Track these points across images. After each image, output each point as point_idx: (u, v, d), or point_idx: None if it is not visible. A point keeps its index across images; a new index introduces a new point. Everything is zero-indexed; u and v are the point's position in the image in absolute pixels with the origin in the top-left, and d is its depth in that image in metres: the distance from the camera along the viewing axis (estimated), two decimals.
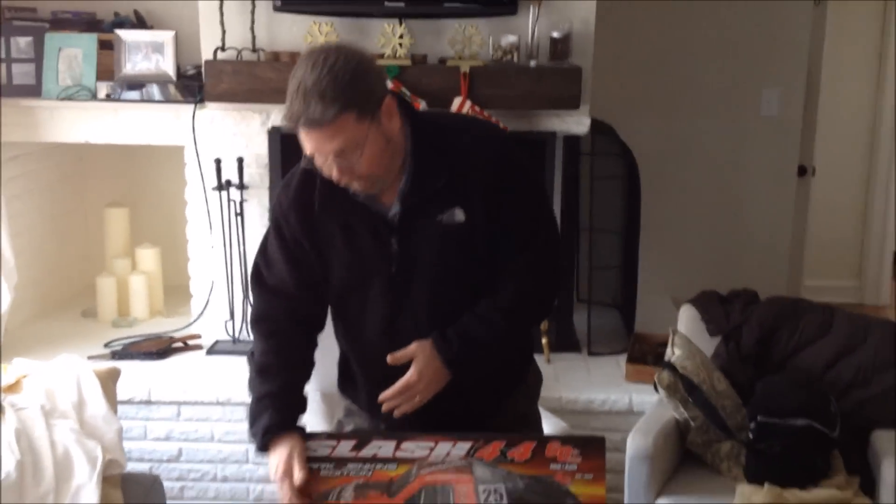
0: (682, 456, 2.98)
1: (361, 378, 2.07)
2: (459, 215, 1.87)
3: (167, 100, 3.62)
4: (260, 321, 2.01)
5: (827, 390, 2.94)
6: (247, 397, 3.26)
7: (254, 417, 1.97)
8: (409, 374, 1.88)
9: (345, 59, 1.73)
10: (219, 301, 3.75)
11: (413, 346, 1.88)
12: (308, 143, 1.77)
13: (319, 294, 1.99)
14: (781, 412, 2.75)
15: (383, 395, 1.90)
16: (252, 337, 2.04)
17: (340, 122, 1.72)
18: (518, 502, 1.90)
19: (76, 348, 3.44)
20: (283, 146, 3.60)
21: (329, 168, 1.79)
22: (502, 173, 1.89)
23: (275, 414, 1.95)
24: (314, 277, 1.96)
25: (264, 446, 1.96)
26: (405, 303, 1.90)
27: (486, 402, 2.07)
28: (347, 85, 1.71)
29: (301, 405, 2.02)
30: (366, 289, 1.93)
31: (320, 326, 2.06)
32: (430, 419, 1.98)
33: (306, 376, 2.03)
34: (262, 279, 2.01)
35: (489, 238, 1.90)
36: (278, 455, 1.92)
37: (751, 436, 2.79)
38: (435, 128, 1.91)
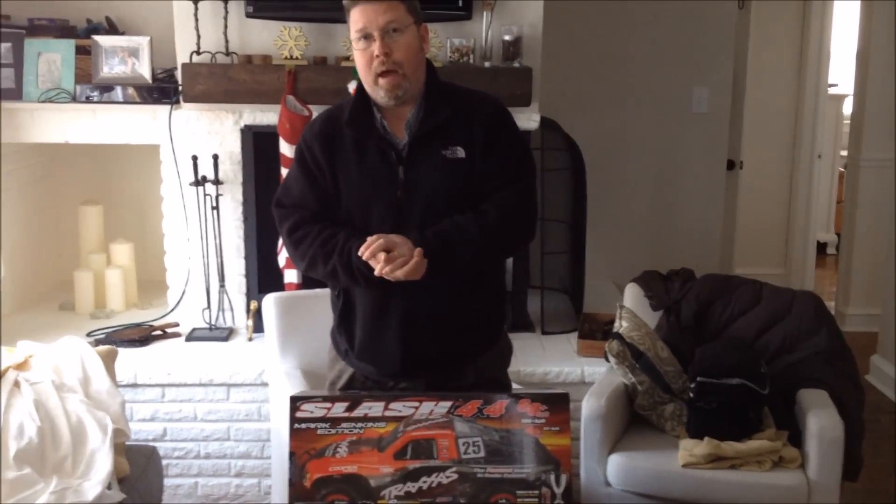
0: (631, 418, 3.27)
1: (360, 305, 2.30)
2: (461, 152, 2.20)
3: (131, 101, 3.80)
4: (294, 229, 2.27)
5: (758, 354, 3.27)
6: (229, 377, 3.48)
7: (339, 253, 2.18)
8: (391, 234, 2.13)
9: None
10: (195, 290, 3.96)
11: (394, 234, 2.14)
12: (363, 17, 2.13)
13: (334, 212, 2.27)
14: (718, 373, 3.05)
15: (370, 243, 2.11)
16: (296, 249, 2.27)
17: (395, 3, 2.12)
18: (494, 453, 2.18)
19: (58, 339, 3.60)
20: (255, 144, 3.84)
21: (370, 54, 2.14)
22: (499, 123, 2.26)
23: (350, 237, 2.19)
24: (329, 195, 2.26)
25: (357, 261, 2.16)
26: (405, 224, 2.18)
27: (462, 347, 2.34)
28: None
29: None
30: (371, 210, 2.22)
31: None
32: (412, 365, 2.29)
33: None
34: (282, 203, 2.31)
35: (483, 174, 2.22)
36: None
37: (691, 394, 3.09)
38: (447, 85, 2.28)
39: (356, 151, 2.23)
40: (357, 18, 2.15)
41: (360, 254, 2.11)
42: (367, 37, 2.15)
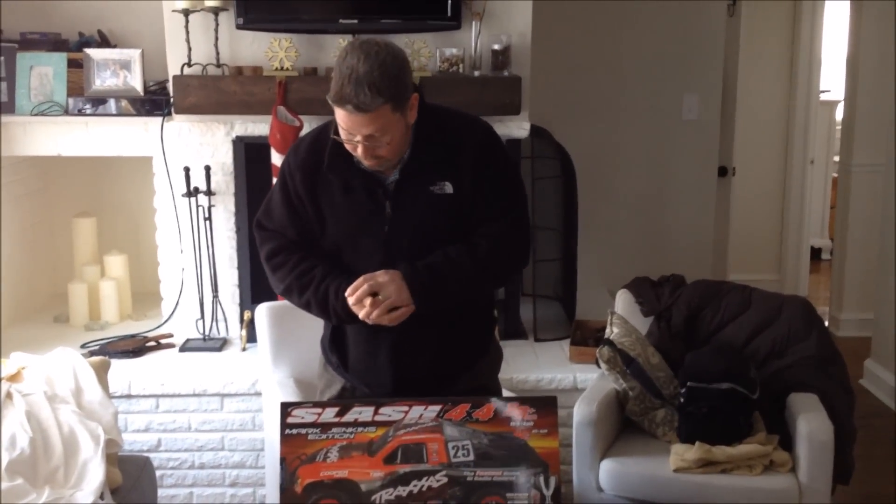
0: (622, 424, 3.29)
1: (352, 333, 2.32)
2: (448, 188, 2.18)
3: (124, 114, 3.82)
4: (273, 255, 2.27)
5: (747, 358, 3.28)
6: (222, 388, 3.48)
7: (315, 290, 2.20)
8: (378, 273, 2.13)
9: (392, 55, 2.04)
10: (188, 301, 3.97)
11: (381, 271, 2.14)
12: (346, 121, 2.04)
13: (314, 244, 2.26)
14: (708, 377, 3.06)
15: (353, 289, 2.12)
16: (273, 274, 2.28)
17: (380, 111, 2.01)
18: (483, 456, 2.19)
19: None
20: (247, 155, 3.86)
21: (354, 145, 2.08)
22: (487, 154, 2.22)
23: (327, 275, 2.20)
24: (310, 229, 2.24)
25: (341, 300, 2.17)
26: (393, 259, 2.18)
27: (454, 365, 2.35)
28: (393, 79, 2.01)
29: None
30: (359, 245, 2.22)
31: None
32: (404, 385, 2.29)
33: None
34: (263, 226, 2.30)
35: (471, 208, 2.20)
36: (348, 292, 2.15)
37: (682, 400, 3.11)
38: (435, 114, 2.22)
39: (341, 185, 2.21)
40: (340, 119, 2.07)
41: (347, 296, 2.13)
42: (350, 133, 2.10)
